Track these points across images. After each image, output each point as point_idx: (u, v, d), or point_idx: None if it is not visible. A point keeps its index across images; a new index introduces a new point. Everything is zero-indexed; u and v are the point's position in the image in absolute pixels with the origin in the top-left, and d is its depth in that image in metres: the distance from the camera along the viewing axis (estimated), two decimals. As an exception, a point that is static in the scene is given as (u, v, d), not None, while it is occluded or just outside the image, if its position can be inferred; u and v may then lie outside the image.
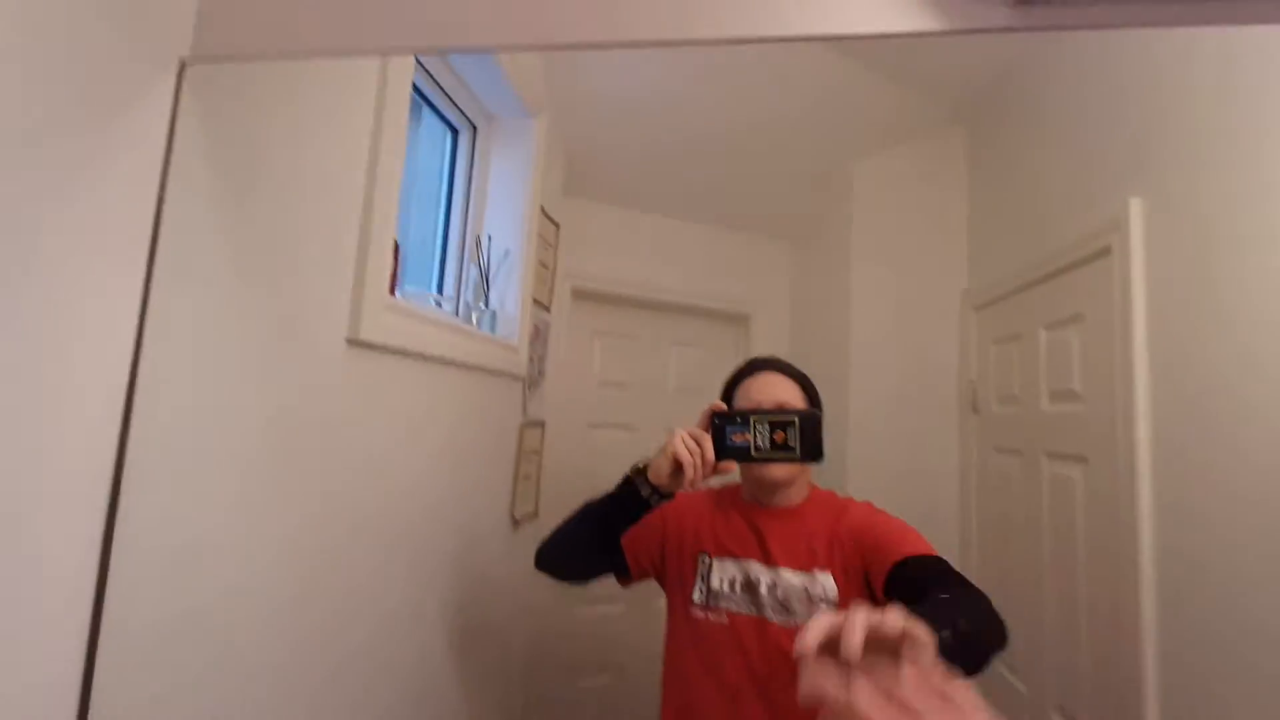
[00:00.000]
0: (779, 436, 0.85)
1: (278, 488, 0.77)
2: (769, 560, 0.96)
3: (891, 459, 1.90)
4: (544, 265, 1.77)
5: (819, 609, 0.91)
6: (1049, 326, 1.52)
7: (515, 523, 1.64)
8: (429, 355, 1.12)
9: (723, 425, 0.86)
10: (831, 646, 0.46)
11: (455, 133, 1.54)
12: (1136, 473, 1.16)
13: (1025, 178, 1.68)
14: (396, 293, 1.11)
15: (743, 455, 0.86)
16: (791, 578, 0.94)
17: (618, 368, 2.16)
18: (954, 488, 1.91)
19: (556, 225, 1.87)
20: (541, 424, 1.82)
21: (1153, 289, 1.18)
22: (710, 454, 0.85)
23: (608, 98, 1.77)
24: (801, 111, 1.85)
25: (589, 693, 2.02)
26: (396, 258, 1.07)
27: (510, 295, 1.55)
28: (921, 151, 2.03)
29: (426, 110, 1.42)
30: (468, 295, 1.50)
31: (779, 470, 0.96)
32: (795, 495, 1.01)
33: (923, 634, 0.47)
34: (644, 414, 2.14)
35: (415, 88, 1.27)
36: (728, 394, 1.05)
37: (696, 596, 0.98)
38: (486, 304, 1.50)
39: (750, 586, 0.96)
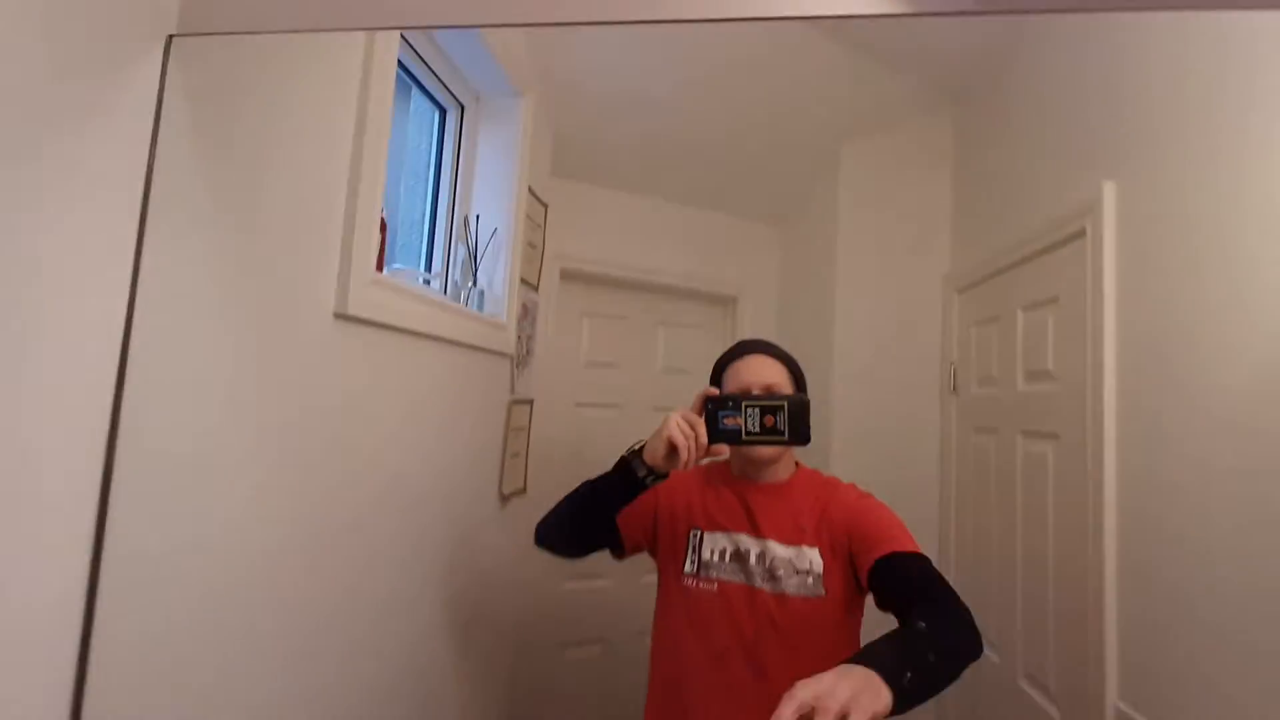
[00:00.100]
0: (768, 421, 0.91)
1: (263, 461, 0.80)
2: (757, 532, 1.01)
3: (874, 439, 1.94)
4: (532, 245, 1.78)
5: (806, 580, 0.96)
6: (1026, 308, 1.55)
7: (504, 498, 1.67)
8: (417, 331, 1.13)
9: (715, 410, 0.92)
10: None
11: (443, 112, 1.55)
12: (1104, 446, 1.20)
13: (1008, 162, 1.71)
14: (385, 270, 1.13)
15: (734, 438, 0.92)
16: (779, 549, 0.99)
17: (605, 348, 2.19)
18: (934, 467, 1.96)
19: (545, 206, 1.88)
20: (530, 402, 1.85)
21: (1123, 270, 1.21)
22: (704, 437, 0.90)
23: (595, 80, 1.78)
24: (791, 95, 1.87)
25: (577, 664, 2.07)
26: (384, 235, 1.09)
27: (498, 274, 1.57)
28: (909, 136, 2.05)
29: (415, 91, 1.43)
30: (456, 274, 1.51)
31: (766, 450, 1.01)
32: (781, 471, 1.06)
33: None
34: (631, 394, 2.17)
35: (403, 66, 1.28)
36: (717, 375, 1.08)
37: (688, 567, 1.03)
38: (475, 283, 1.52)
39: (740, 557, 1.01)
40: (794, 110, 1.94)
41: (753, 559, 1.00)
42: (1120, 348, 1.20)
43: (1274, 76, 0.91)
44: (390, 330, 1.05)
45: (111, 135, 0.59)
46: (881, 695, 0.61)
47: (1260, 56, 0.93)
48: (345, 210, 0.90)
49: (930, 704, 0.69)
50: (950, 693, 0.74)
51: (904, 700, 0.63)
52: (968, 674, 0.75)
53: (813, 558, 0.97)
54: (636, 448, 0.94)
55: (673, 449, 0.89)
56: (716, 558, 1.02)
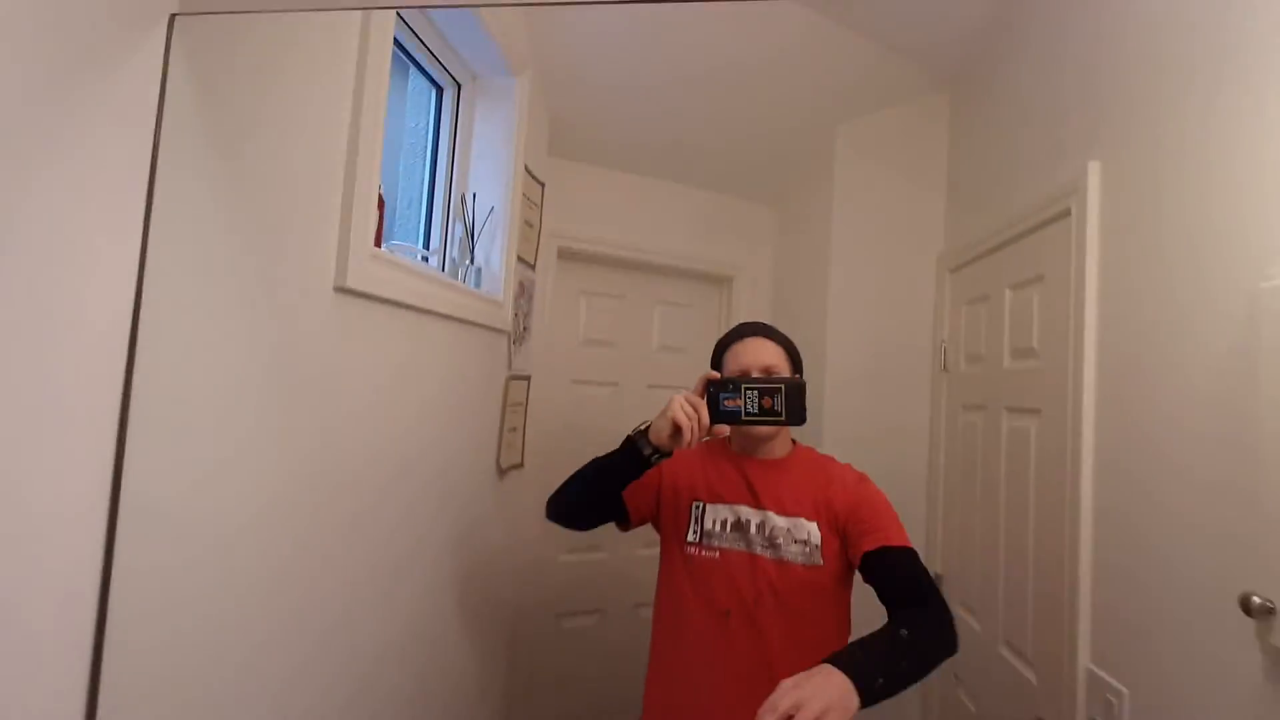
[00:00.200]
0: (766, 402, 0.98)
1: (269, 429, 0.83)
2: (758, 504, 1.07)
3: (866, 417, 1.97)
4: (529, 224, 1.81)
5: (805, 549, 1.04)
6: (1014, 287, 1.58)
7: (501, 472, 1.71)
8: (416, 306, 1.17)
9: (716, 392, 0.99)
10: None
11: (440, 91, 1.56)
12: (1082, 421, 1.23)
13: (1001, 143, 1.72)
14: (383, 246, 1.16)
15: (734, 419, 0.99)
16: (778, 519, 1.06)
17: (602, 326, 2.22)
18: (923, 444, 1.99)
19: (541, 185, 1.90)
20: (527, 378, 1.88)
21: (1105, 249, 1.24)
22: (706, 418, 0.97)
23: (592, 60, 1.79)
24: (787, 75, 1.88)
25: (573, 633, 2.13)
26: (382, 211, 1.12)
27: (495, 252, 1.60)
28: (905, 117, 2.06)
29: (413, 70, 1.44)
30: (453, 251, 1.54)
31: (764, 428, 1.07)
32: (779, 448, 1.12)
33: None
34: (627, 372, 2.20)
35: (400, 45, 1.30)
36: (718, 357, 1.13)
37: (690, 536, 1.09)
38: (472, 260, 1.55)
39: (740, 526, 1.07)
40: (790, 92, 1.95)
41: (753, 528, 1.06)
42: (1101, 323, 1.23)
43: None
44: (389, 304, 1.08)
45: (117, 113, 0.62)
46: (850, 705, 0.72)
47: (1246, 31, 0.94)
48: (344, 185, 0.93)
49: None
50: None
51: (870, 699, 0.74)
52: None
53: (810, 530, 1.04)
54: (642, 428, 1.00)
55: (677, 429, 0.95)
56: (718, 528, 1.08)
